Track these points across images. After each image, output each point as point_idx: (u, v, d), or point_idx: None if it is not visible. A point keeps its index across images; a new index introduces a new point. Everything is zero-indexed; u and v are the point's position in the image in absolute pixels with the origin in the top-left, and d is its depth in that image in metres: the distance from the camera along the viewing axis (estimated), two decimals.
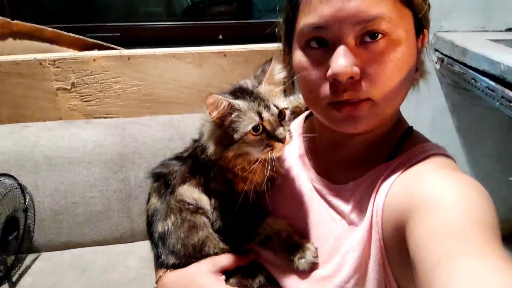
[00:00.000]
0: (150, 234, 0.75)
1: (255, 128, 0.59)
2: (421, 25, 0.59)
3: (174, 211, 0.70)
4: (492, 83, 1.25)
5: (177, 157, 0.77)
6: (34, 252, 1.35)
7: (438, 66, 1.46)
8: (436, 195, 0.49)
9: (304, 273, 0.62)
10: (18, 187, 1.29)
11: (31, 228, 1.35)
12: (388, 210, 0.55)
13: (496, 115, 1.66)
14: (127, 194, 1.41)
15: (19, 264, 1.28)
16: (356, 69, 0.53)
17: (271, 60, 0.66)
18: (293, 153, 0.74)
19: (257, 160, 0.61)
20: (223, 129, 0.62)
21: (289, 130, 0.62)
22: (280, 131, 0.60)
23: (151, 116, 1.54)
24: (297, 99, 0.82)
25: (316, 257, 0.62)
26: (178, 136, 1.45)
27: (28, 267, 1.29)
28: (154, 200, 0.74)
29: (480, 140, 1.81)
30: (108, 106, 1.54)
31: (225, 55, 1.54)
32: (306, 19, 0.56)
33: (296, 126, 0.79)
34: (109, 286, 1.22)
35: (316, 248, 0.63)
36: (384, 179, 0.58)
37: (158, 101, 1.57)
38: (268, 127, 0.60)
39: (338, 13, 0.52)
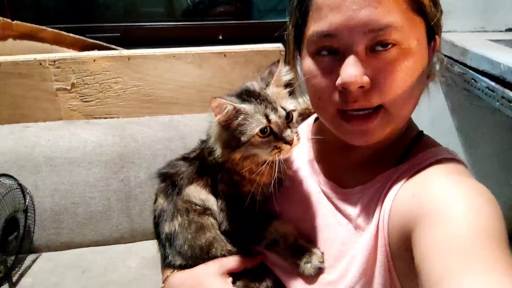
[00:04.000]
0: (157, 234, 0.75)
1: (262, 131, 0.59)
2: (433, 32, 0.58)
3: (181, 212, 0.69)
4: (492, 83, 1.25)
5: (184, 158, 0.76)
6: (34, 253, 1.35)
7: (438, 67, 1.47)
8: (443, 204, 0.48)
9: (310, 278, 0.62)
10: (18, 187, 1.29)
11: (31, 229, 1.35)
12: (395, 215, 0.54)
13: (496, 115, 1.66)
14: (127, 194, 1.41)
15: (19, 264, 1.28)
16: (366, 79, 0.52)
17: (278, 61, 0.65)
18: (302, 157, 0.74)
19: (264, 162, 0.61)
20: (230, 132, 0.62)
21: (296, 132, 0.62)
22: (287, 133, 0.60)
23: (151, 116, 1.54)
24: (306, 101, 0.81)
25: (322, 262, 0.62)
26: (178, 136, 1.45)
27: (28, 267, 1.29)
28: (161, 201, 0.73)
29: (480, 140, 1.81)
30: (108, 106, 1.54)
31: (225, 55, 1.54)
32: (316, 26, 0.54)
33: (305, 129, 0.78)
34: (109, 286, 1.22)
35: (322, 253, 0.63)
36: (392, 184, 0.58)
37: (158, 101, 1.56)
38: (275, 129, 0.60)
39: (348, 21, 0.51)
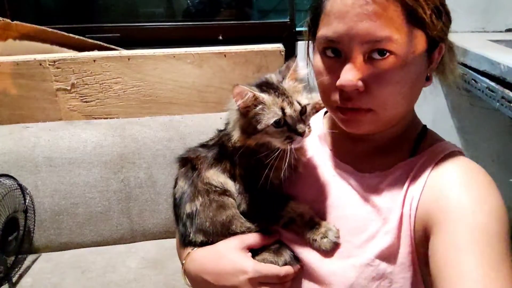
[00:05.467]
0: (177, 215, 0.79)
1: (277, 122, 0.64)
2: (435, 41, 0.61)
3: (201, 193, 0.73)
4: (492, 83, 1.25)
5: (203, 145, 0.80)
6: (34, 253, 1.35)
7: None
8: (460, 212, 0.56)
9: (326, 252, 0.66)
10: (18, 187, 1.29)
11: (31, 229, 1.35)
12: (423, 205, 0.61)
13: (496, 115, 1.66)
14: (127, 195, 1.41)
15: (19, 264, 1.28)
16: (360, 84, 0.59)
17: (295, 56, 0.70)
18: (317, 144, 0.78)
19: (278, 149, 0.66)
20: (248, 119, 0.66)
21: (308, 125, 0.66)
22: (300, 125, 0.64)
23: (151, 116, 1.54)
24: (316, 96, 0.86)
25: (338, 237, 0.66)
26: (178, 137, 1.45)
27: (28, 267, 1.29)
28: (182, 184, 0.77)
29: (480, 140, 1.81)
30: (108, 106, 1.54)
31: (225, 55, 1.54)
32: (324, 31, 0.60)
33: (319, 119, 0.83)
34: (109, 287, 1.22)
35: (338, 229, 0.67)
36: (416, 174, 0.64)
37: (158, 101, 1.57)
38: (289, 121, 0.64)
39: (349, 31, 0.57)
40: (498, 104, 1.23)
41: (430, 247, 0.58)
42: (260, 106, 0.64)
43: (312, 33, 0.68)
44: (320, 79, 0.65)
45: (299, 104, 0.65)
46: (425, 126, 0.72)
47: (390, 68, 0.58)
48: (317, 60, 0.65)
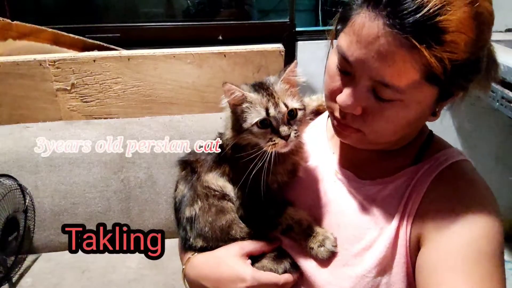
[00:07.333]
0: (177, 219, 0.79)
1: (262, 122, 0.63)
2: (450, 93, 0.59)
3: (200, 197, 0.73)
4: (492, 83, 1.25)
5: None
6: (34, 253, 1.35)
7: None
8: (452, 231, 0.57)
9: (324, 260, 0.66)
10: (18, 187, 1.29)
11: (31, 229, 1.35)
12: (418, 222, 0.61)
13: (496, 115, 1.66)
14: (127, 195, 1.41)
15: (19, 264, 1.28)
16: (358, 110, 0.59)
17: (296, 60, 0.69)
18: (318, 148, 0.78)
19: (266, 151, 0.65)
20: (236, 116, 0.67)
21: (295, 130, 0.65)
22: (284, 128, 0.63)
23: (151, 116, 1.54)
24: (320, 98, 0.86)
25: (335, 246, 0.65)
26: (178, 137, 1.45)
27: (28, 267, 1.29)
28: (182, 187, 0.77)
29: (480, 140, 1.81)
30: (108, 106, 1.54)
31: (225, 55, 1.54)
32: (342, 42, 0.58)
33: (322, 122, 0.83)
34: (109, 287, 1.22)
35: (335, 238, 0.66)
36: (416, 183, 0.63)
37: (158, 101, 1.57)
38: (273, 123, 0.63)
39: (364, 62, 0.55)
40: (497, 104, 1.23)
41: (419, 258, 0.59)
42: (247, 104, 0.64)
43: (337, 30, 0.65)
44: (328, 80, 0.64)
45: (286, 106, 0.64)
46: (431, 132, 0.71)
47: (390, 108, 0.57)
48: (333, 61, 0.62)
